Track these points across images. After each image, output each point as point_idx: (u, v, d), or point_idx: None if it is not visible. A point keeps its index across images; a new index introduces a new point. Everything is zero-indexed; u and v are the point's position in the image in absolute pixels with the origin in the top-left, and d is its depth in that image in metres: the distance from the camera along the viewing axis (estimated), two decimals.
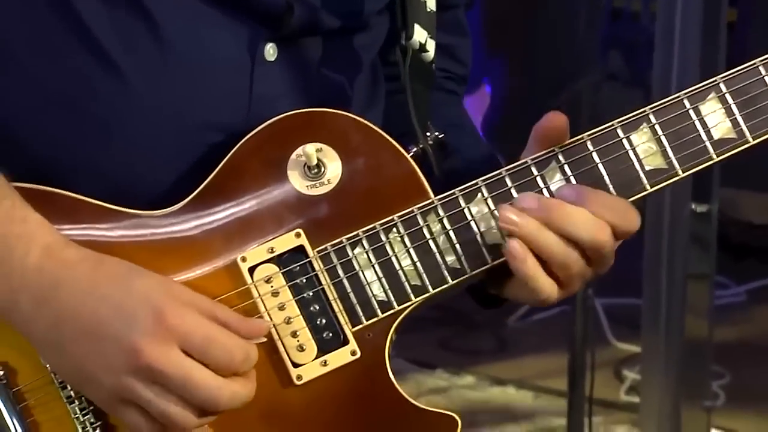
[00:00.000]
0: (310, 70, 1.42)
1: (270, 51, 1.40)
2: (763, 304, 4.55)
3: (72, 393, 1.34)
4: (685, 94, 1.34)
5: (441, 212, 1.37)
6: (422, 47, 1.45)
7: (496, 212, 1.36)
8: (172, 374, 1.27)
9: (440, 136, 1.44)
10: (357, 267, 1.37)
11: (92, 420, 1.35)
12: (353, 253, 1.37)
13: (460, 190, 1.37)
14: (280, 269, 1.37)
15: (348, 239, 1.37)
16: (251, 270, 1.37)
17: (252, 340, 1.31)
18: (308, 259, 1.37)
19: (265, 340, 1.33)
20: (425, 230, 1.37)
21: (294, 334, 1.36)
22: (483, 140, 1.60)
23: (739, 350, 4.15)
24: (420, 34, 1.44)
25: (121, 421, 1.34)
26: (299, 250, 1.37)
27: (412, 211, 1.37)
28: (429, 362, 4.10)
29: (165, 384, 1.27)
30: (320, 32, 1.42)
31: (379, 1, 1.45)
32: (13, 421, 1.34)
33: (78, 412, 1.35)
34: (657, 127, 1.35)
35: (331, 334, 1.37)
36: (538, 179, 1.37)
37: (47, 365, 1.34)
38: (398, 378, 1.38)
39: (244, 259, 1.37)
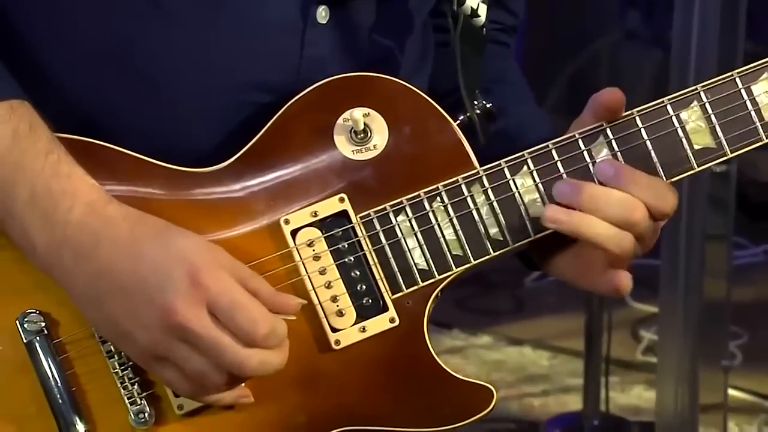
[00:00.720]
0: (361, 33, 1.41)
1: (322, 13, 1.39)
2: None
3: (112, 348, 1.35)
4: (738, 73, 1.33)
5: (486, 183, 1.37)
6: (474, 12, 1.44)
7: (541, 185, 1.36)
8: (202, 335, 1.27)
9: (488, 105, 1.43)
10: (399, 234, 1.37)
11: (131, 375, 1.36)
12: (396, 221, 1.37)
13: (506, 162, 1.37)
14: (323, 233, 1.37)
15: (391, 206, 1.37)
16: (294, 233, 1.37)
17: (281, 315, 1.31)
18: (351, 225, 1.37)
19: (294, 318, 1.32)
20: (469, 200, 1.37)
21: (334, 299, 1.37)
22: (531, 98, 1.58)
23: (756, 311, 4.15)
24: (472, 0, 1.43)
25: (158, 378, 1.34)
26: (342, 215, 1.37)
27: (457, 181, 1.37)
28: (446, 322, 4.11)
29: (195, 344, 1.28)
30: None
31: None
32: (53, 372, 1.35)
33: (117, 366, 1.36)
34: (707, 105, 1.35)
35: (370, 301, 1.37)
36: (585, 154, 1.36)
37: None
38: None
39: (287, 222, 1.37)
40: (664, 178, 1.36)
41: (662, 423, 3.24)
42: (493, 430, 3.64)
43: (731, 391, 3.58)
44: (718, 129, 1.35)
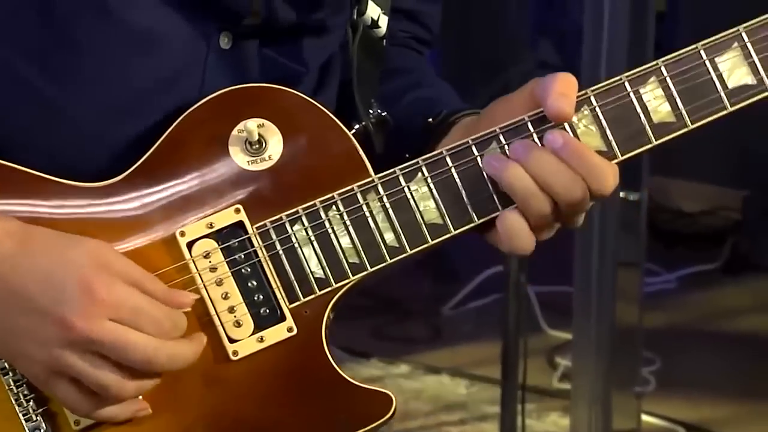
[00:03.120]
0: (263, 60, 1.41)
1: (225, 40, 1.38)
2: (692, 290, 4.58)
3: (6, 364, 1.32)
4: (627, 76, 1.34)
5: (381, 191, 1.36)
6: (374, 23, 1.44)
7: (435, 191, 1.36)
8: (106, 340, 1.25)
9: (383, 114, 1.43)
10: (295, 243, 1.36)
11: (26, 392, 1.33)
12: (292, 230, 1.36)
13: (401, 169, 1.36)
14: (219, 244, 1.36)
15: (287, 216, 1.36)
16: (190, 245, 1.35)
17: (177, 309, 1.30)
18: (247, 235, 1.36)
19: (188, 309, 1.31)
20: (365, 208, 1.36)
21: (231, 310, 1.35)
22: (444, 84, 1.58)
23: (669, 337, 4.18)
24: (373, 10, 1.43)
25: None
26: (239, 226, 1.36)
27: (352, 189, 1.36)
28: (363, 351, 4.10)
29: (100, 351, 1.26)
30: (276, 27, 1.40)
31: (337, 4, 1.44)
32: None
33: (12, 383, 1.33)
34: (597, 109, 1.35)
35: (268, 311, 1.36)
36: (479, 159, 1.36)
37: None
38: None
39: (183, 234, 1.35)
40: None
41: None
42: None
43: (645, 417, 3.60)
44: (608, 132, 1.34)
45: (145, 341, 1.27)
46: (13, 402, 1.33)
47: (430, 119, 1.44)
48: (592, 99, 1.35)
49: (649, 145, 1.35)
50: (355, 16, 1.43)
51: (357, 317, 4.04)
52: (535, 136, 1.35)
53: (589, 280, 3.29)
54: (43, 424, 1.33)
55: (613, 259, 3.29)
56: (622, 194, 3.24)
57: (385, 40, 1.47)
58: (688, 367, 4.03)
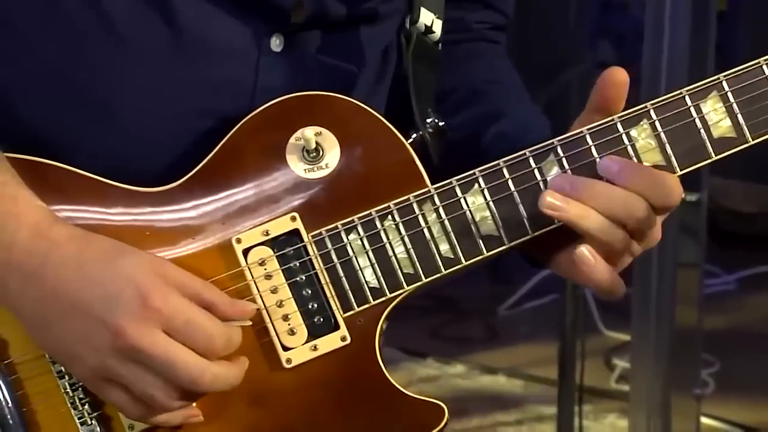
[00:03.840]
0: (314, 62, 1.40)
1: (276, 42, 1.38)
2: (752, 292, 4.54)
3: (62, 368, 1.33)
4: (687, 91, 1.33)
5: (437, 201, 1.35)
6: (428, 29, 1.43)
7: (492, 203, 1.35)
8: (154, 354, 1.26)
9: (440, 124, 1.42)
10: (351, 253, 1.35)
11: (81, 396, 1.34)
12: (348, 239, 1.35)
13: (458, 180, 1.35)
14: (275, 252, 1.35)
15: (343, 225, 1.35)
16: (245, 252, 1.35)
17: (237, 322, 1.30)
18: (303, 244, 1.35)
19: (250, 323, 1.31)
20: (420, 219, 1.35)
21: (285, 318, 1.35)
22: (528, 98, 1.55)
23: (728, 339, 4.14)
24: (426, 17, 1.42)
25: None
26: (294, 234, 1.35)
27: (408, 199, 1.35)
28: (420, 351, 4.10)
29: (147, 364, 1.26)
30: (327, 24, 1.40)
31: None
32: (2, 393, 1.33)
33: (68, 387, 1.34)
34: (657, 123, 1.34)
35: (322, 319, 1.36)
36: (536, 172, 1.35)
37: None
38: (389, 367, 1.36)
39: (239, 241, 1.35)
40: None
41: None
42: None
43: (704, 419, 3.57)
44: (667, 147, 1.34)
45: (193, 361, 1.26)
46: (69, 405, 1.34)
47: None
48: (652, 113, 1.34)
49: (709, 160, 1.33)
50: (408, 25, 1.42)
51: (414, 317, 4.04)
52: (593, 149, 1.34)
53: (649, 281, 3.26)
54: (98, 428, 1.34)
55: (673, 261, 3.26)
56: (682, 195, 3.21)
57: (440, 45, 1.45)
58: (748, 370, 3.99)
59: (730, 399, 3.87)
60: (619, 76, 1.33)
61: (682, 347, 3.35)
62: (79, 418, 1.34)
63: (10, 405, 1.33)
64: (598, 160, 1.33)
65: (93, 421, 1.34)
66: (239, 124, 1.36)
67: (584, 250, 1.32)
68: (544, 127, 1.47)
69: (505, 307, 4.32)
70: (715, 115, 1.33)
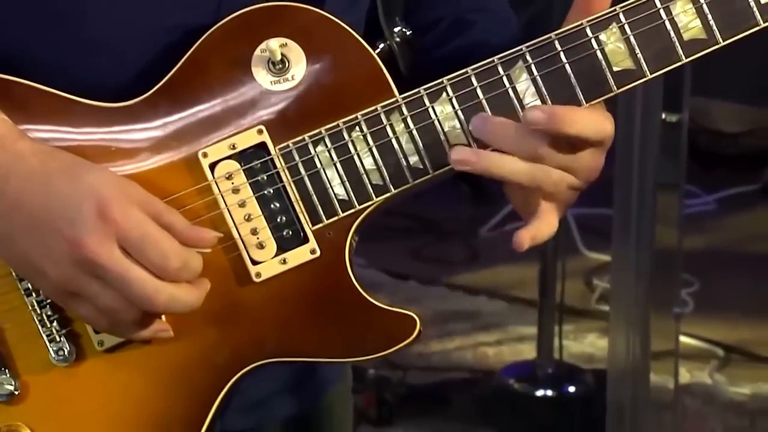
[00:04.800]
0: None
1: None
2: (732, 212, 4.54)
3: (29, 285, 1.32)
4: None
5: (405, 111, 1.33)
6: None
7: (460, 112, 1.32)
8: (109, 268, 1.24)
9: (408, 33, 1.39)
10: (318, 165, 1.33)
11: (49, 313, 1.32)
12: (315, 151, 1.33)
13: (425, 89, 1.33)
14: (242, 166, 1.33)
15: (310, 137, 1.33)
16: (212, 166, 1.33)
17: (196, 248, 1.27)
18: (270, 157, 1.33)
19: (209, 250, 1.29)
20: (388, 129, 1.33)
21: (254, 232, 1.33)
22: (513, 24, 1.52)
23: (707, 259, 4.15)
24: None
25: (75, 315, 1.31)
26: (261, 147, 1.33)
27: (376, 110, 1.33)
28: (402, 273, 4.10)
29: (104, 278, 1.24)
30: None
31: None
32: None
33: (35, 304, 1.32)
34: (626, 26, 1.31)
35: (291, 233, 1.34)
36: (504, 79, 1.32)
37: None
38: (372, 288, 1.35)
39: (205, 155, 1.33)
40: (584, 102, 1.32)
41: (614, 370, 3.23)
42: (448, 379, 3.63)
43: (683, 338, 3.58)
44: (637, 50, 1.31)
45: (147, 279, 1.24)
46: (37, 323, 1.32)
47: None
48: (621, 16, 1.31)
49: (679, 63, 1.31)
50: None
51: (395, 239, 4.03)
52: (562, 54, 1.31)
53: (629, 201, 3.26)
54: (67, 345, 1.32)
55: (653, 181, 3.25)
56: (662, 115, 3.19)
57: None
58: (726, 289, 4.01)
59: (709, 318, 3.89)
60: None
61: (661, 267, 3.34)
62: (47, 335, 1.32)
63: None
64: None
65: (62, 338, 1.32)
66: (203, 37, 1.33)
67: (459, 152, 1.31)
68: (513, 33, 1.44)
69: (487, 228, 4.31)
70: (685, 17, 1.30)
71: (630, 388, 3.21)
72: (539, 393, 3.48)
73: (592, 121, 1.30)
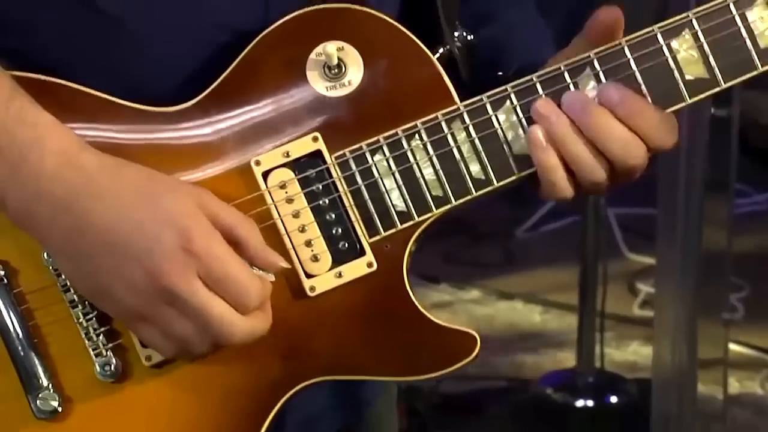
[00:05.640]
0: None
1: None
2: None
3: (75, 297, 1.35)
4: None
5: (467, 119, 1.36)
6: None
7: (524, 121, 1.36)
8: (190, 302, 1.27)
9: (469, 38, 1.43)
10: (376, 175, 1.36)
11: (95, 326, 1.36)
12: (373, 160, 1.36)
13: (488, 96, 1.36)
14: (296, 175, 1.37)
15: (368, 145, 1.37)
16: (265, 174, 1.36)
17: (262, 270, 1.31)
18: (325, 165, 1.37)
19: (273, 279, 1.32)
20: (449, 138, 1.36)
21: (308, 244, 1.36)
22: (529, 3, 1.57)
23: (759, 261, 4.16)
24: None
25: (123, 327, 1.35)
26: (316, 155, 1.37)
27: (436, 117, 1.36)
28: (433, 275, 4.11)
29: (183, 309, 1.28)
30: None
31: None
32: (13, 323, 1.35)
33: (81, 316, 1.35)
34: (700, 33, 1.34)
35: (347, 245, 1.37)
36: (571, 87, 1.36)
37: (49, 268, 1.35)
38: None
39: (258, 163, 1.36)
40: None
41: (659, 379, 3.26)
42: (484, 388, 3.66)
43: (732, 346, 3.61)
44: (711, 58, 1.34)
45: (227, 316, 1.28)
46: (83, 336, 1.36)
47: (500, 72, 1.43)
48: (694, 22, 1.34)
49: (755, 72, 1.34)
50: None
51: (426, 240, 4.05)
52: (632, 62, 1.34)
53: (675, 201, 3.28)
54: (113, 359, 1.36)
55: (701, 179, 3.27)
56: (711, 110, 3.21)
57: None
58: None
59: (760, 324, 3.90)
60: (609, 17, 1.34)
61: (709, 271, 3.36)
62: (93, 349, 1.36)
63: (21, 336, 1.35)
64: (602, 83, 1.34)
65: (108, 353, 1.36)
66: (257, 39, 1.37)
67: (537, 131, 1.34)
68: (538, 37, 1.48)
69: (523, 229, 4.33)
70: (762, 24, 1.34)
71: (676, 398, 3.24)
72: (579, 403, 3.50)
73: (659, 122, 1.33)
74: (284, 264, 1.32)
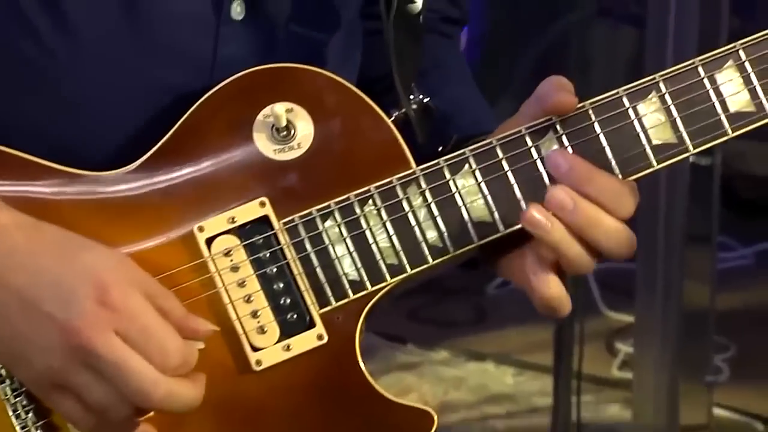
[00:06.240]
0: (280, 30, 1.43)
1: (237, 8, 1.41)
2: None
3: (3, 372, 1.35)
4: (701, 60, 1.36)
5: (423, 184, 1.38)
6: None
7: (484, 186, 1.38)
8: (106, 358, 1.28)
9: (425, 100, 1.45)
10: (327, 241, 1.38)
11: (24, 403, 1.36)
12: (324, 226, 1.38)
13: (446, 160, 1.38)
14: (242, 241, 1.38)
15: (318, 210, 1.38)
16: (209, 241, 1.38)
17: (191, 340, 1.32)
18: (273, 231, 1.38)
19: (203, 346, 1.33)
20: (405, 203, 1.38)
21: (254, 315, 1.38)
22: (471, 82, 1.61)
23: (745, 320, 4.17)
24: None
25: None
26: (263, 221, 1.38)
27: (391, 182, 1.38)
28: (398, 335, 4.12)
29: (99, 369, 1.28)
30: None
31: None
32: None
33: (9, 393, 1.36)
34: (667, 96, 1.37)
35: (295, 316, 1.38)
36: (533, 150, 1.38)
37: None
38: (365, 354, 1.39)
39: (201, 229, 1.38)
40: (620, 177, 1.38)
41: None
42: None
43: (717, 410, 3.61)
44: (679, 122, 1.37)
45: (146, 372, 1.28)
46: (11, 413, 1.36)
47: (440, 147, 1.45)
48: (661, 85, 1.37)
49: (725, 138, 1.37)
50: None
51: (392, 297, 4.06)
52: (596, 125, 1.37)
53: (655, 255, 3.30)
54: None
55: (682, 232, 3.30)
56: (692, 159, 3.24)
57: (421, 17, 1.48)
58: (766, 354, 4.02)
59: (747, 387, 3.91)
60: (556, 86, 1.36)
61: (692, 329, 3.38)
62: (21, 427, 1.35)
63: None
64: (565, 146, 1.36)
65: (38, 431, 1.36)
66: (201, 99, 1.39)
67: (533, 212, 1.35)
68: (483, 111, 1.51)
69: (495, 285, 4.34)
70: (732, 87, 1.36)
71: None
72: None
73: (613, 186, 1.36)
74: (211, 328, 1.33)
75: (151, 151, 1.38)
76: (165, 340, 1.29)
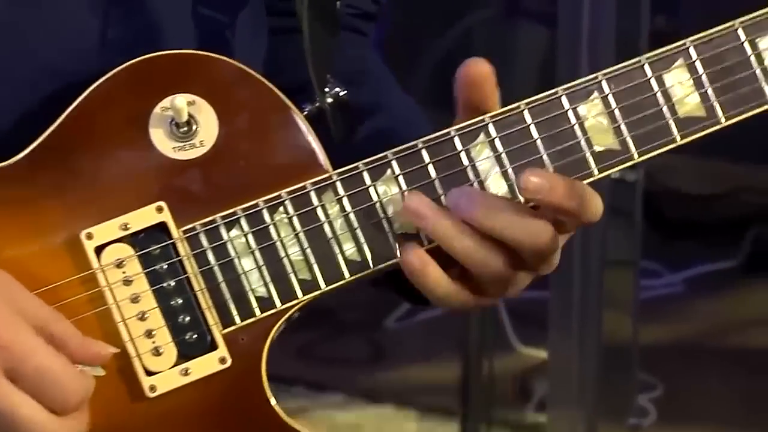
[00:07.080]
0: (180, 9, 1.44)
1: None
2: (703, 295, 4.54)
3: None
4: (648, 59, 1.40)
5: (341, 190, 1.40)
6: None
7: (408, 193, 1.40)
8: None
9: (341, 94, 1.47)
10: (232, 253, 1.39)
11: None
12: (229, 236, 1.39)
13: (366, 164, 1.40)
14: (136, 251, 1.39)
15: (223, 218, 1.39)
16: (99, 250, 1.38)
17: (87, 368, 1.32)
18: (171, 241, 1.39)
19: (103, 373, 1.33)
20: (320, 211, 1.40)
21: (149, 334, 1.38)
22: (399, 88, 1.64)
23: (673, 355, 4.19)
24: None
25: None
26: (161, 229, 1.39)
27: (305, 187, 1.40)
28: (285, 376, 4.09)
29: None
30: None
31: None
32: None
33: None
34: (611, 97, 1.41)
35: (195, 336, 1.40)
36: (462, 155, 1.41)
37: None
38: None
39: (89, 236, 1.38)
40: None
41: None
42: None
43: None
44: (623, 127, 1.41)
45: (38, 418, 1.28)
46: None
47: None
48: (604, 85, 1.41)
49: (673, 145, 1.41)
50: None
51: (279, 332, 4.03)
52: (532, 128, 1.40)
53: (570, 282, 3.32)
54: None
55: (600, 257, 3.32)
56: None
57: (338, 2, 1.50)
58: (698, 393, 4.04)
59: (676, 430, 3.93)
60: (476, 71, 1.40)
61: (612, 366, 3.42)
62: None
63: None
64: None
65: None
66: (90, 89, 1.39)
67: (411, 258, 1.39)
68: (424, 121, 1.54)
69: (394, 318, 4.34)
70: (681, 89, 1.41)
71: None
72: None
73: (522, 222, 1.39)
74: (112, 350, 1.34)
75: (33, 145, 1.38)
76: (62, 380, 1.29)
